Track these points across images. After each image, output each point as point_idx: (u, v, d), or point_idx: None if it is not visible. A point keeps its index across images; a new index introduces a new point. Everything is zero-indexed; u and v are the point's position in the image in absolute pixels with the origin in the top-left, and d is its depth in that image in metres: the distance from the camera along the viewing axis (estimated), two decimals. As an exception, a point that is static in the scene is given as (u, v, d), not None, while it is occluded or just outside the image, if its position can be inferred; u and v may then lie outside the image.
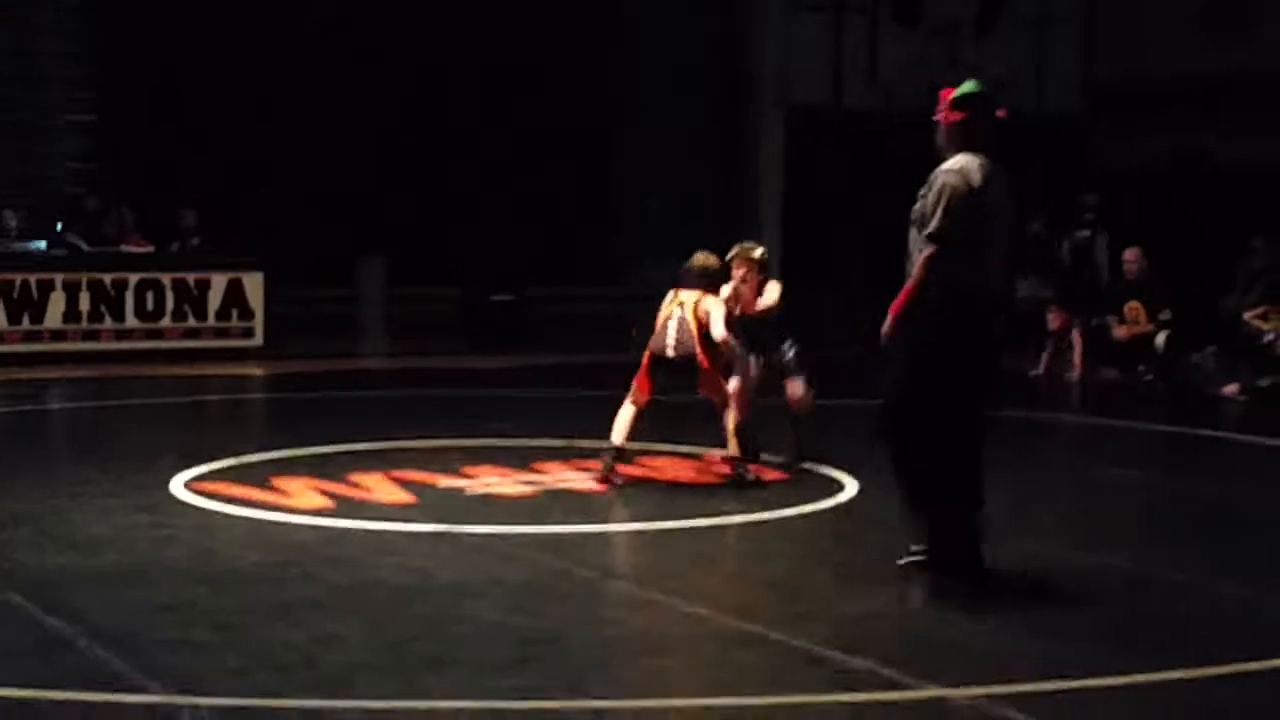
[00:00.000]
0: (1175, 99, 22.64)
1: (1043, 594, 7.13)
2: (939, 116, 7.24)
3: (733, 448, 9.61)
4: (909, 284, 7.05)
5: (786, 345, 10.30)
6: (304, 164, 21.74)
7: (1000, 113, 7.23)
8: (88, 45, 20.86)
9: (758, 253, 10.31)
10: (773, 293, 10.23)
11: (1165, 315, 15.48)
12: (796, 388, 10.20)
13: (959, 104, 7.18)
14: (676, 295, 9.78)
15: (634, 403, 9.69)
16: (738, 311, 9.97)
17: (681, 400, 13.49)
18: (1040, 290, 17.01)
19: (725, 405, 9.70)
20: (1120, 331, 15.68)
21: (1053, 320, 15.99)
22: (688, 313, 9.67)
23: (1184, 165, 22.49)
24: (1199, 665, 5.90)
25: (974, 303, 7.00)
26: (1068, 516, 9.04)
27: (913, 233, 7.18)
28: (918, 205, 7.17)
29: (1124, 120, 23.99)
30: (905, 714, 5.33)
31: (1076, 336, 15.81)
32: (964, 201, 6.95)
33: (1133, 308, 15.68)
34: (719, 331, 9.56)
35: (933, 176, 7.10)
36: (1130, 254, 15.88)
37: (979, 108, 7.18)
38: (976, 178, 7.00)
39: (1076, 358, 15.71)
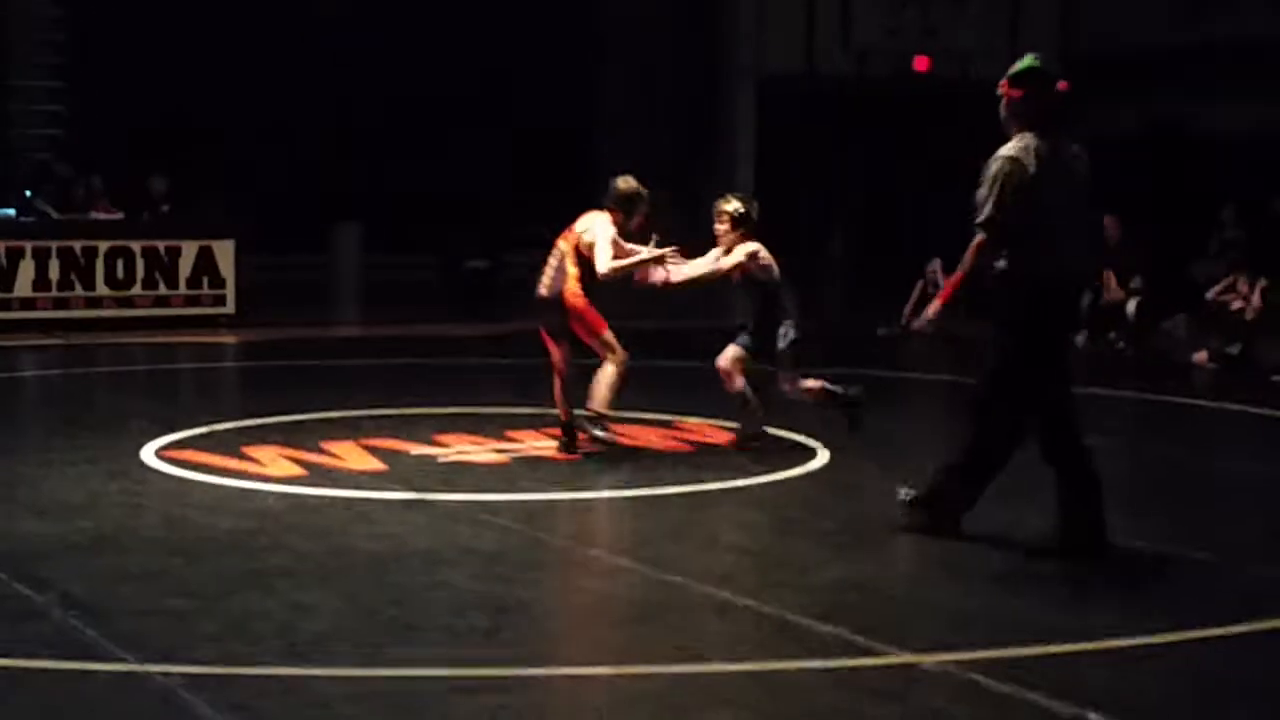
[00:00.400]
0: (1150, 69, 22.67)
1: (1013, 561, 7.16)
2: (1000, 93, 7.04)
3: (597, 403, 9.13)
4: (958, 271, 6.97)
5: (782, 331, 9.33)
6: (277, 130, 21.67)
7: (1061, 85, 7.03)
8: (57, 11, 20.72)
9: (729, 205, 9.39)
10: (728, 258, 9.27)
11: (1136, 283, 15.57)
12: (786, 388, 9.46)
13: (1018, 80, 7.00)
14: (570, 231, 9.26)
15: (555, 371, 9.38)
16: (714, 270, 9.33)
17: (642, 367, 13.51)
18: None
19: (604, 350, 9.20)
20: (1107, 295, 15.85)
21: None
22: (567, 245, 9.18)
23: (1158, 135, 22.55)
24: (1169, 630, 5.93)
25: (1054, 289, 6.92)
26: (1037, 483, 9.07)
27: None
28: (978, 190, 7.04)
29: (1099, 90, 24.03)
30: (877, 680, 5.35)
31: None
32: (1018, 188, 6.82)
33: (1107, 276, 15.77)
34: (601, 263, 8.94)
35: (988, 162, 6.96)
36: (1109, 221, 15.96)
37: (1039, 83, 6.99)
38: (1033, 161, 6.85)
39: None
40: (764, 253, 9.33)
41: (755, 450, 9.38)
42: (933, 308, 7.20)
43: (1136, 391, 12.91)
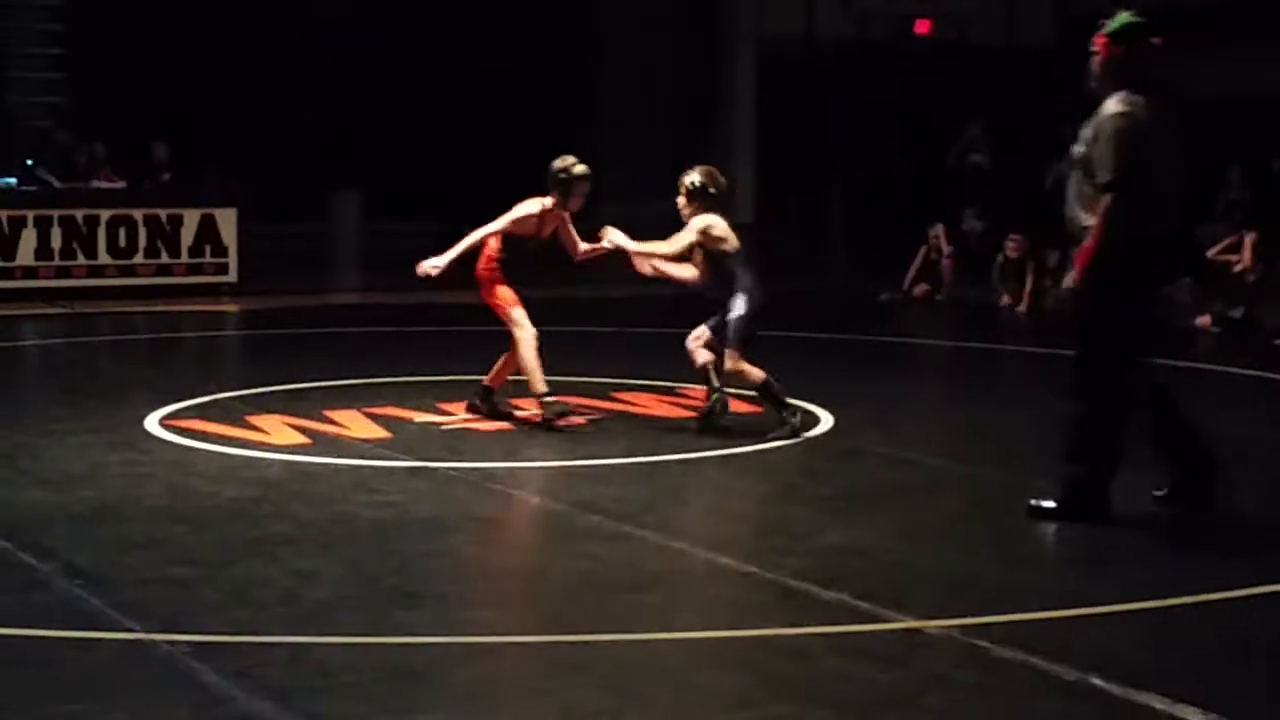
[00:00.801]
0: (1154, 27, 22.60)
1: (1015, 525, 7.17)
2: (1095, 51, 6.95)
3: (535, 388, 9.05)
4: (1093, 236, 6.78)
5: (733, 303, 8.90)
6: (278, 98, 21.62)
7: (1156, 40, 6.94)
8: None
9: (687, 178, 9.03)
10: (680, 236, 8.97)
11: None
12: (727, 364, 8.92)
13: (1118, 37, 6.91)
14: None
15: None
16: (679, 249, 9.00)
17: (645, 333, 13.51)
18: (973, 221, 16.94)
19: (511, 326, 9.13)
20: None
21: (1012, 249, 15.86)
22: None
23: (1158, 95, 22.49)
24: (1173, 595, 5.95)
25: (1158, 242, 6.83)
26: (1037, 448, 9.09)
27: (1074, 178, 6.98)
28: (1078, 149, 6.95)
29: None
30: (879, 645, 5.37)
31: (1030, 269, 15.70)
32: (1135, 145, 6.74)
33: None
34: (485, 230, 9.03)
35: (1097, 120, 6.86)
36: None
37: (1138, 39, 6.90)
38: (1142, 116, 6.78)
39: (1027, 289, 15.59)
40: (718, 227, 8.91)
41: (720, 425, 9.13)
42: (1073, 275, 6.97)
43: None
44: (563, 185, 9.21)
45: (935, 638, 5.44)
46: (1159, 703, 4.81)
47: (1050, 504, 7.07)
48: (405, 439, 8.83)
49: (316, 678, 5.00)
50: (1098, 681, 4.97)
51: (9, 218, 15.73)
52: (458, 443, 8.78)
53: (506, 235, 9.17)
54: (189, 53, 20.95)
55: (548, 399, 9.10)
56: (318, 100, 21.83)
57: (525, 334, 9.13)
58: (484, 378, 9.45)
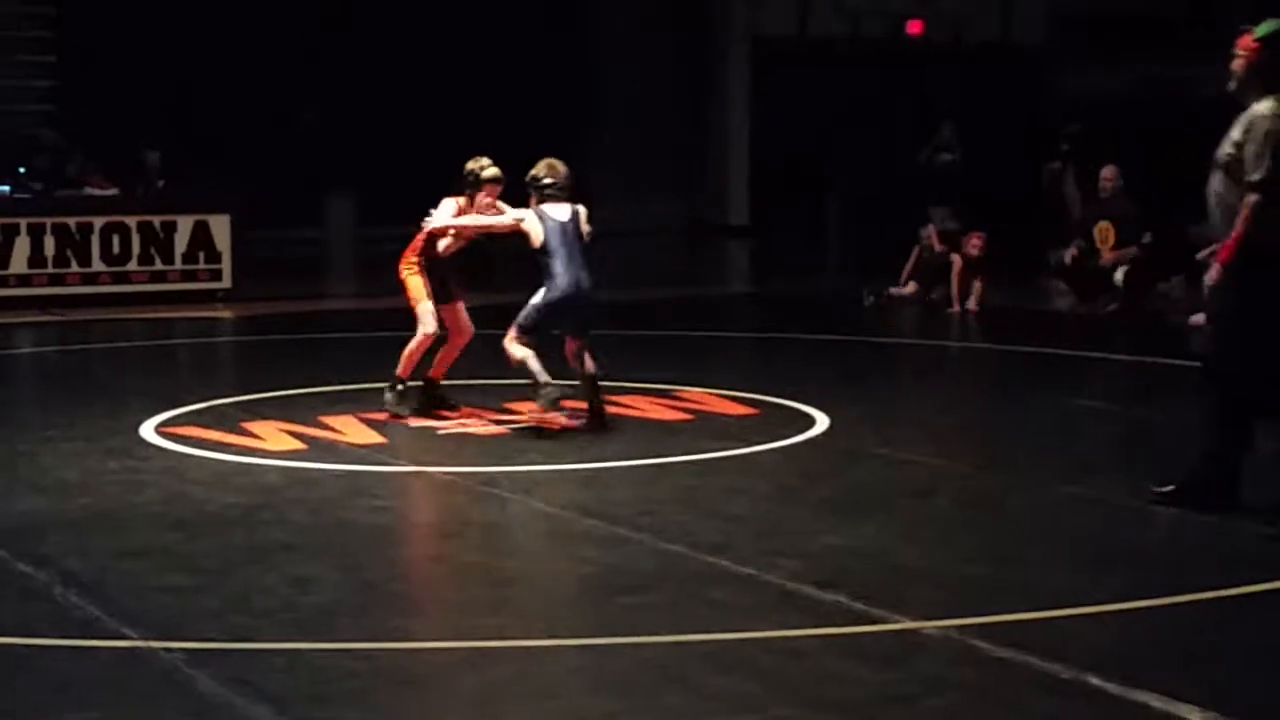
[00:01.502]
0: (1146, 28, 22.64)
1: (1014, 525, 7.18)
2: (1241, 55, 7.00)
3: (399, 368, 9.52)
4: (1235, 234, 6.86)
5: (539, 292, 9.12)
6: (271, 103, 21.61)
7: None
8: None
9: (533, 171, 9.30)
10: (501, 216, 9.33)
11: (1147, 238, 15.17)
12: (505, 341, 9.09)
13: (1269, 42, 6.96)
14: None
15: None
16: None
17: (640, 336, 13.51)
18: (947, 222, 16.89)
19: (418, 321, 9.50)
20: (1072, 253, 15.53)
21: (974, 247, 15.72)
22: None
23: (1154, 94, 22.52)
24: (1169, 593, 5.96)
25: None
26: (1038, 449, 9.10)
27: (1216, 177, 7.06)
28: (1225, 150, 7.01)
29: (1095, 50, 24.00)
30: (878, 646, 5.37)
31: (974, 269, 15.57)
32: (1277, 146, 6.81)
33: (1103, 229, 15.46)
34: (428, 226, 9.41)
35: (1248, 121, 6.93)
36: (1107, 172, 15.62)
37: None
38: None
39: (978, 290, 15.40)
40: (530, 223, 9.12)
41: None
42: (1213, 272, 7.03)
43: (1134, 355, 12.91)
44: (472, 186, 9.51)
45: (933, 638, 5.44)
46: (1157, 701, 4.81)
47: (1170, 489, 7.18)
48: (401, 444, 8.82)
49: (315, 685, 4.99)
50: (1095, 680, 4.98)
51: (2, 225, 15.70)
52: (454, 447, 8.77)
53: (430, 236, 9.53)
54: (181, 59, 20.95)
55: (399, 389, 9.50)
56: (311, 104, 21.83)
57: (427, 330, 9.48)
58: (430, 373, 9.71)
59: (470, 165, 9.51)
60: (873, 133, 24.30)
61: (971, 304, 15.27)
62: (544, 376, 8.89)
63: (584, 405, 9.25)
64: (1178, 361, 12.47)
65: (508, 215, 9.34)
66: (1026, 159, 20.70)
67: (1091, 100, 22.73)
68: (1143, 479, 7.53)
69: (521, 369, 8.99)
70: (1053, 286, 16.26)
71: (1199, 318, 14.14)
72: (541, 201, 9.21)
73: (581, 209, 9.34)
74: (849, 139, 24.21)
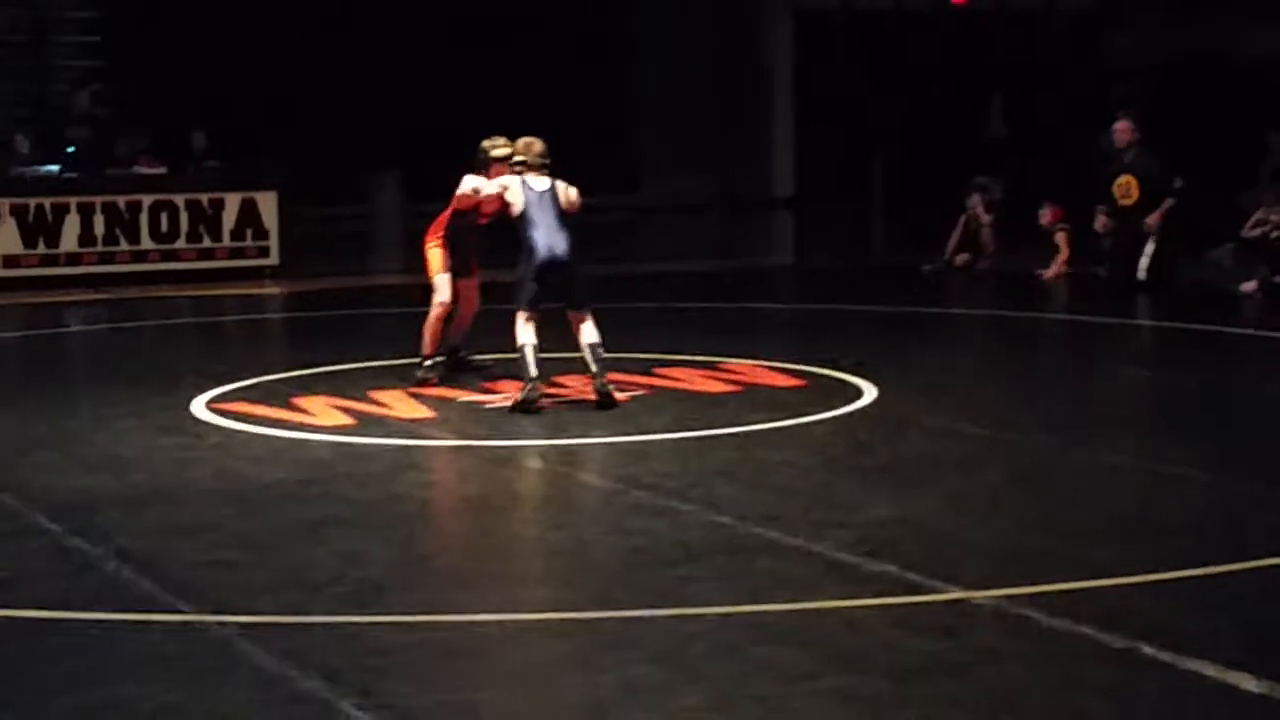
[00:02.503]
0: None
1: (1064, 495, 7.15)
2: None
3: (424, 345, 9.77)
4: None
5: (521, 266, 9.26)
6: (318, 80, 21.66)
7: None
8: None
9: (486, 145, 9.69)
10: (487, 185, 9.53)
11: (1179, 183, 14.38)
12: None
13: None
14: None
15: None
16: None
17: (686, 309, 13.50)
18: (993, 191, 16.55)
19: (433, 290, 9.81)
20: (1100, 223, 14.79)
21: (1046, 218, 15.57)
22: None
23: (1200, 59, 22.29)
24: (1222, 562, 5.92)
25: None
26: (1083, 416, 9.06)
27: None
28: None
29: (1138, 15, 23.78)
30: (928, 616, 5.36)
31: (1062, 236, 15.37)
32: None
33: (1123, 183, 14.60)
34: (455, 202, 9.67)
35: None
36: (1121, 125, 14.73)
37: None
38: None
39: (1061, 258, 15.24)
40: (512, 189, 9.30)
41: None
42: None
43: (1186, 323, 12.81)
44: (483, 165, 9.69)
45: (984, 608, 5.43)
46: (1211, 670, 4.79)
47: None
48: (450, 418, 8.86)
49: (368, 657, 5.03)
50: (1148, 650, 4.96)
51: (52, 205, 15.82)
52: (503, 421, 8.80)
53: (454, 211, 9.83)
54: (228, 37, 21.02)
55: (427, 365, 9.76)
56: (358, 82, 21.86)
57: (441, 299, 9.79)
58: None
59: (484, 144, 9.75)
60: (918, 103, 24.17)
61: (1050, 271, 15.09)
62: (533, 371, 8.93)
63: (623, 378, 9.27)
64: (1230, 330, 12.39)
65: (493, 184, 9.53)
66: (1073, 126, 20.47)
67: (1142, 64, 22.54)
68: (1194, 447, 7.49)
69: (518, 354, 9.02)
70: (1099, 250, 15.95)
71: (1250, 285, 14.07)
72: (516, 170, 9.45)
73: (562, 184, 9.44)
74: (893, 109, 24.09)
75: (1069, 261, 15.26)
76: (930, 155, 22.26)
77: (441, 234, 9.94)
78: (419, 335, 9.86)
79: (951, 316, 13.98)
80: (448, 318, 9.97)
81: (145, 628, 5.34)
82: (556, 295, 9.25)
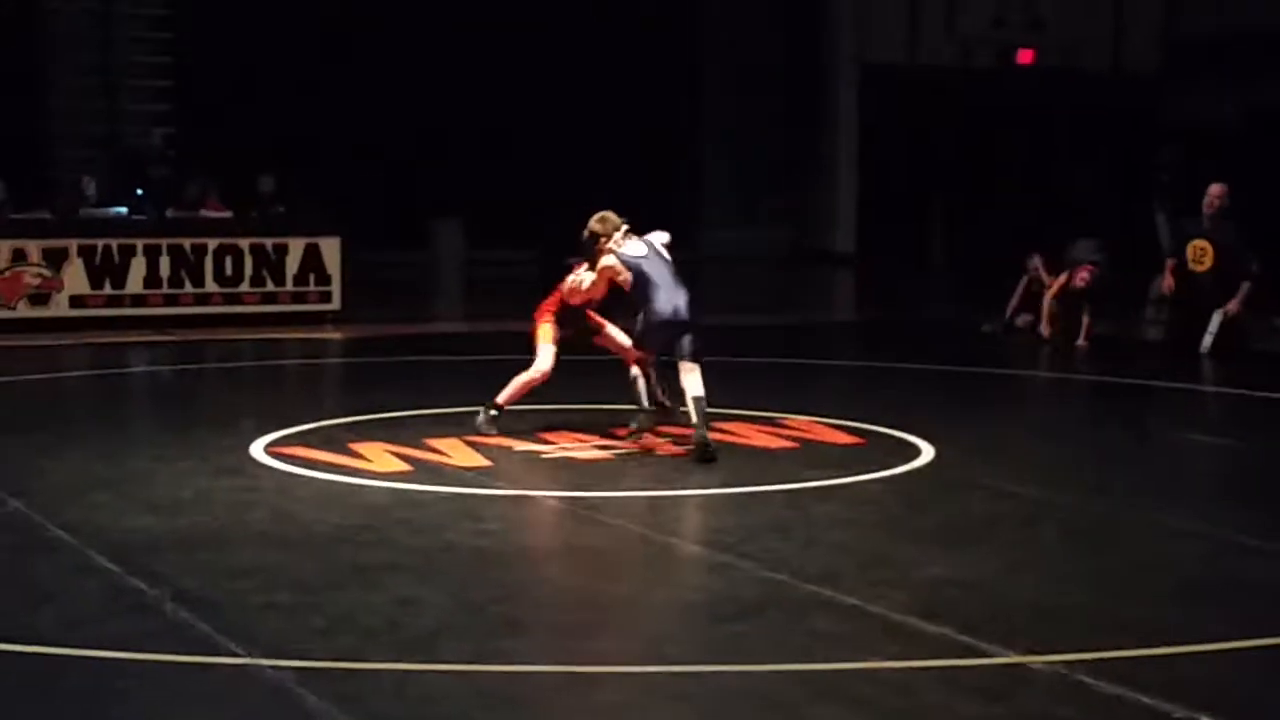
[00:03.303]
0: (1255, 53, 22.27)
1: (1123, 559, 7.08)
2: None
3: (502, 397, 9.85)
4: None
5: (642, 315, 9.43)
6: (379, 129, 21.87)
7: None
8: (166, 11, 21.04)
9: (590, 226, 9.64)
10: (586, 283, 9.67)
11: (1256, 266, 14.14)
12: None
13: None
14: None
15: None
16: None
17: (746, 363, 13.49)
18: (1096, 255, 16.34)
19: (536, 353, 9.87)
20: (1167, 284, 14.53)
21: (1081, 279, 15.37)
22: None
23: (1266, 120, 22.16)
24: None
25: None
26: (1144, 480, 8.98)
27: None
28: None
29: (1205, 76, 23.68)
30: (984, 680, 5.32)
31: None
32: None
33: (1198, 246, 14.34)
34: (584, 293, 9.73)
35: None
36: (1215, 189, 14.37)
37: None
38: None
39: (1086, 322, 15.02)
40: (614, 267, 9.41)
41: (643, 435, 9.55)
42: None
43: (1244, 389, 12.67)
44: (586, 247, 9.66)
45: (1040, 673, 5.38)
46: (1271, 742, 4.73)
47: None
48: (507, 467, 8.87)
49: (420, 705, 5.03)
50: (1208, 720, 4.90)
51: (119, 246, 16.00)
52: (559, 472, 8.81)
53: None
54: (296, 84, 21.27)
55: (492, 413, 9.80)
56: (420, 128, 22.05)
57: (541, 365, 9.84)
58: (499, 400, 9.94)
59: (596, 226, 9.62)
60: (983, 161, 24.14)
61: (1081, 339, 14.98)
62: (643, 402, 9.34)
63: (681, 431, 9.29)
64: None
65: (591, 274, 9.57)
66: (1124, 191, 20.30)
67: (1208, 125, 22.42)
68: (1253, 513, 7.41)
69: (629, 388, 9.54)
70: (1153, 314, 15.78)
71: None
72: (603, 249, 9.48)
73: (655, 234, 9.62)
74: (958, 167, 24.07)
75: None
76: (993, 213, 22.21)
77: (553, 312, 9.95)
78: (496, 383, 9.90)
79: (1011, 377, 13.90)
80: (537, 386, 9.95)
81: (200, 670, 5.36)
82: (672, 348, 9.37)
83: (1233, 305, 14.19)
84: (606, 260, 9.50)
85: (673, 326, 9.26)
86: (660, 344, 9.43)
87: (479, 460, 9.04)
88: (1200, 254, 14.43)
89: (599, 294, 9.76)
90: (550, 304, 9.99)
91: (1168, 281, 14.64)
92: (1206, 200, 14.55)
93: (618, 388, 10.81)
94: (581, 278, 9.75)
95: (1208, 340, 14.19)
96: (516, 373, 9.89)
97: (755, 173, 25.18)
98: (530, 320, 10.05)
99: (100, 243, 15.94)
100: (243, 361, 14.25)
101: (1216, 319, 14.21)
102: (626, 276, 9.42)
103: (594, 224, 9.65)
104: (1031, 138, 24.35)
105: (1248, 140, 21.83)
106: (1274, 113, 22.19)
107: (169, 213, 16.83)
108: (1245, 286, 14.20)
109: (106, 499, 8.05)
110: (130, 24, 21.12)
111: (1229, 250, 14.27)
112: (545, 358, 9.85)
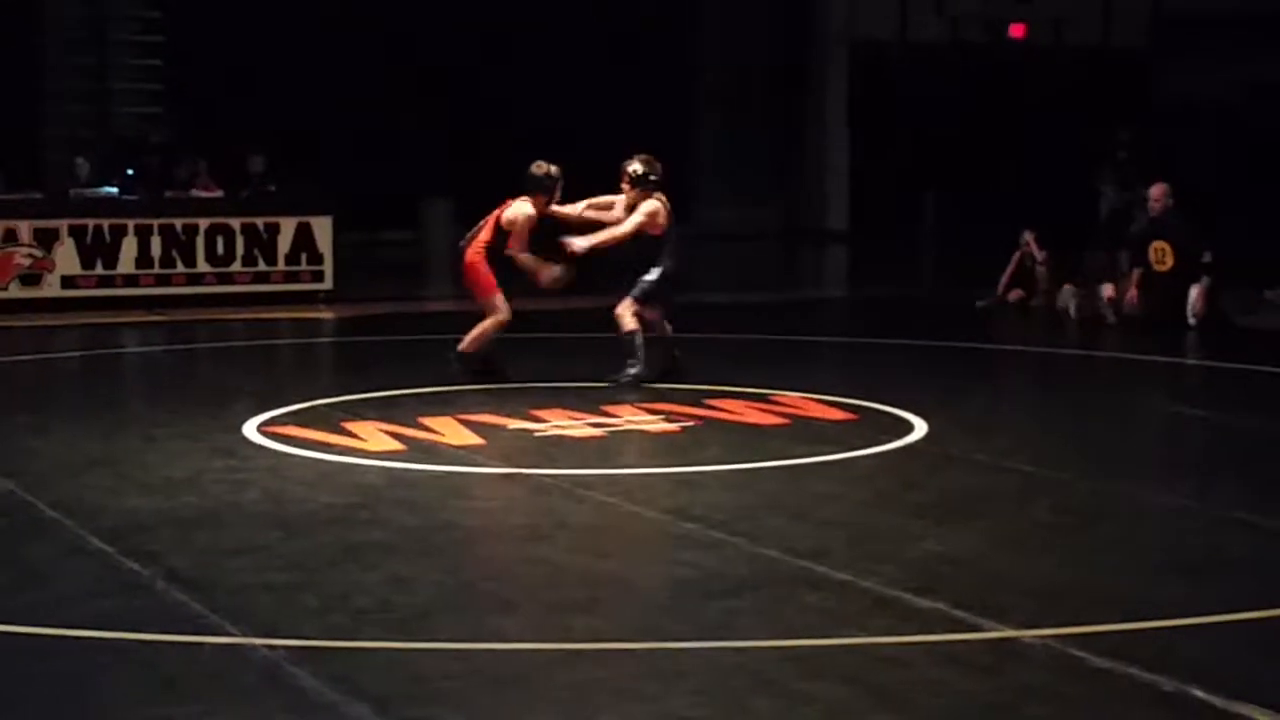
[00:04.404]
0: (1249, 28, 22.27)
1: (1114, 534, 7.11)
2: None
3: (465, 343, 10.46)
4: None
5: (651, 271, 10.27)
6: (369, 107, 21.83)
7: None
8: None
9: (630, 166, 10.28)
10: (628, 223, 10.22)
11: (1207, 258, 14.26)
12: (618, 309, 10.26)
13: None
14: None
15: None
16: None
17: (739, 340, 13.50)
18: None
19: (489, 310, 10.44)
20: (1131, 296, 14.47)
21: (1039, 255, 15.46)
22: (491, 217, 10.48)
23: (1259, 96, 22.16)
24: (1270, 605, 5.87)
25: None
26: (1136, 455, 9.00)
27: None
28: None
29: (1193, 52, 23.67)
30: (976, 655, 5.33)
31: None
32: None
33: (1158, 247, 14.50)
34: (516, 248, 10.26)
35: None
36: (1156, 190, 14.68)
37: None
38: None
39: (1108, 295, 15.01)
40: (661, 213, 10.22)
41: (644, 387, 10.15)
42: None
43: (1235, 363, 12.71)
44: (541, 185, 10.38)
45: (1031, 647, 5.40)
46: (1262, 715, 4.74)
47: None
48: (500, 446, 8.88)
49: (414, 684, 5.04)
50: (1199, 693, 4.91)
51: (110, 226, 15.97)
52: (552, 449, 8.82)
53: (499, 231, 10.43)
54: (285, 64, 21.22)
55: (461, 357, 10.49)
56: (411, 108, 22.02)
57: (501, 317, 10.47)
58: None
59: (536, 169, 10.35)
60: (973, 137, 24.12)
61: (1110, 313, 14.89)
62: (641, 354, 10.03)
63: (673, 408, 9.29)
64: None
65: (637, 215, 10.17)
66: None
67: (1199, 102, 22.41)
68: (1243, 488, 7.43)
69: (627, 341, 10.09)
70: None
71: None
72: (645, 195, 10.23)
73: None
74: (949, 143, 24.05)
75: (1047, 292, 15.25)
76: (986, 187, 22.20)
77: (485, 252, 10.42)
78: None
79: (1004, 353, 13.92)
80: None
81: (194, 650, 5.37)
82: (665, 301, 10.36)
83: (1198, 307, 14.30)
84: (653, 205, 10.04)
85: (675, 280, 10.19)
86: (666, 301, 10.18)
87: (472, 439, 9.04)
88: (1161, 254, 14.57)
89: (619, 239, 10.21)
90: (482, 240, 10.37)
91: (1132, 294, 14.58)
92: (1150, 204, 14.82)
93: (609, 366, 10.83)
94: (519, 210, 10.20)
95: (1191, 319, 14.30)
96: (487, 341, 10.54)
97: (748, 150, 25.15)
98: (473, 263, 10.49)
99: (91, 223, 15.92)
100: (235, 341, 14.24)
101: (1196, 306, 14.29)
102: (661, 228, 10.07)
103: (642, 164, 10.17)
104: (1024, 111, 24.31)
105: (1245, 113, 21.82)
106: (1268, 89, 22.19)
107: (166, 194, 16.79)
108: (1205, 281, 14.32)
109: (99, 479, 8.05)
110: (123, 4, 21.06)
111: (1186, 247, 14.44)
112: (502, 308, 10.43)
